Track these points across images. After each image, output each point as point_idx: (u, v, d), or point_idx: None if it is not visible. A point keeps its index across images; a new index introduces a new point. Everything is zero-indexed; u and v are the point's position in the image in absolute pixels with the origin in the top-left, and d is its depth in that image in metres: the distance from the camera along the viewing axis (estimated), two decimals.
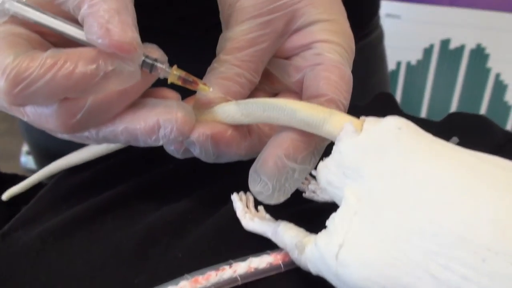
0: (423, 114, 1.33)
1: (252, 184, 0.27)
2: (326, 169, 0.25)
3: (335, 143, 0.25)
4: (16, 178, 0.74)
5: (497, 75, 1.22)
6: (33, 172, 0.42)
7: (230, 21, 0.29)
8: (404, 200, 0.22)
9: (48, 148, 0.57)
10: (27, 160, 1.62)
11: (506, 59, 1.20)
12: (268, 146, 0.27)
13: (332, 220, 0.25)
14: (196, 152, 0.28)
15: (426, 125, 0.45)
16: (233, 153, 0.29)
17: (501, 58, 1.21)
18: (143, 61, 0.26)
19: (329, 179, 0.25)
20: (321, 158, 0.27)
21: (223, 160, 0.29)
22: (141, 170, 0.39)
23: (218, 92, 0.28)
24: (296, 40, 0.30)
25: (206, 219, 0.34)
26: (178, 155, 0.29)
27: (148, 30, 0.48)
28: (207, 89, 0.27)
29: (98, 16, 0.23)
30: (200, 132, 0.27)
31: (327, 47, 0.29)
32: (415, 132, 0.24)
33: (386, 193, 0.23)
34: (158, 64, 0.26)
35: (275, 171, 0.26)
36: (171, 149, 0.29)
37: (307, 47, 0.30)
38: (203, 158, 0.29)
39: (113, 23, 0.23)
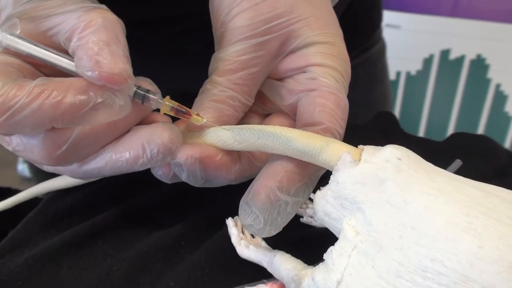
0: (423, 124, 1.32)
1: (242, 216, 0.26)
2: (324, 200, 0.24)
3: (333, 173, 0.24)
4: (9, 192, 0.72)
5: (497, 86, 1.22)
6: (29, 180, 0.41)
7: (223, 41, 0.28)
8: (404, 235, 0.21)
9: None
10: (23, 168, 1.61)
11: (506, 70, 1.20)
12: (260, 176, 0.26)
13: (330, 254, 0.23)
14: (184, 177, 0.27)
15: (427, 145, 0.44)
16: (223, 177, 0.27)
17: (501, 68, 1.20)
18: (135, 92, 0.25)
19: (326, 210, 0.24)
20: (318, 187, 0.26)
21: (212, 184, 0.28)
22: (133, 192, 0.38)
23: (211, 117, 0.27)
24: (291, 62, 0.29)
25: (199, 245, 0.33)
26: (167, 180, 0.28)
27: (148, 46, 0.47)
28: (201, 120, 0.26)
29: (87, 48, 0.23)
30: (189, 155, 0.26)
31: (322, 71, 0.28)
32: (416, 163, 0.23)
33: (385, 227, 0.22)
34: (151, 95, 0.25)
35: (267, 204, 0.25)
36: (159, 174, 0.28)
37: (301, 70, 0.28)
38: (191, 182, 0.27)
39: (103, 55, 0.23)
